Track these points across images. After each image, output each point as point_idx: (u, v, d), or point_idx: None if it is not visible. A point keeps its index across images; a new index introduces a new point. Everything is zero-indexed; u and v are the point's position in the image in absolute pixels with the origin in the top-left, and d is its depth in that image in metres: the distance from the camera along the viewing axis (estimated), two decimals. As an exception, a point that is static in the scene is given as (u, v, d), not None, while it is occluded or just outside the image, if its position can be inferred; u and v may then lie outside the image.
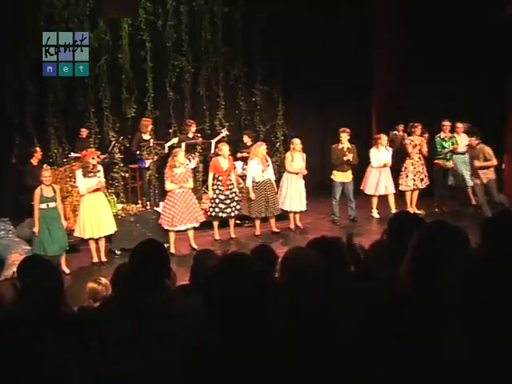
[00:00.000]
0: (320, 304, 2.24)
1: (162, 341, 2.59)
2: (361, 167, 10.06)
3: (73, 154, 9.67)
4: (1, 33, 9.08)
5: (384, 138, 9.99)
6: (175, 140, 10.23)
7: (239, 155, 10.40)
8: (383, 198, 9.98)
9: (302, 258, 2.51)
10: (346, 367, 1.74)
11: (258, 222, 9.25)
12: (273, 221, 9.32)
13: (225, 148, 9.03)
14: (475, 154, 9.21)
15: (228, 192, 9.04)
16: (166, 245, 7.19)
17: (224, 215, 9.05)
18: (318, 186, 11.30)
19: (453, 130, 10.26)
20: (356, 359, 1.74)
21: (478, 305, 1.46)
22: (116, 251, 8.47)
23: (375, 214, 10.04)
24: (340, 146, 9.61)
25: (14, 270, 6.81)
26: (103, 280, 4.66)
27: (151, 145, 9.42)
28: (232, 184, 9.13)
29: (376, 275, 2.45)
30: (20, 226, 8.46)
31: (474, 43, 10.50)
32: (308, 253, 2.58)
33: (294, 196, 9.38)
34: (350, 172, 9.73)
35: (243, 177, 9.71)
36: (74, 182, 8.54)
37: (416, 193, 10.11)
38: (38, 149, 9.22)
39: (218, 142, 9.96)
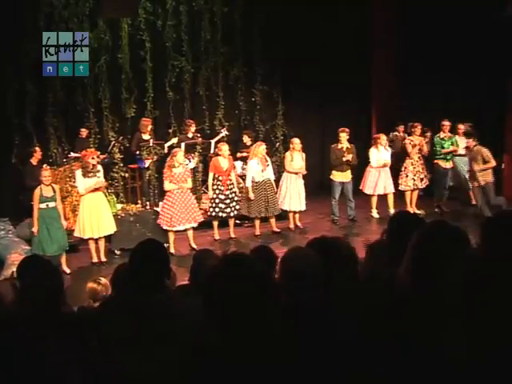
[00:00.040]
0: (320, 304, 2.24)
1: (162, 341, 2.59)
2: (360, 167, 10.06)
3: (72, 154, 9.67)
4: (1, 33, 9.08)
5: (383, 138, 10.00)
6: (175, 140, 10.23)
7: (239, 155, 10.40)
8: (383, 198, 9.98)
9: (302, 258, 2.51)
10: (345, 367, 1.74)
11: (257, 222, 9.25)
12: (273, 221, 9.32)
13: (224, 148, 9.03)
14: (473, 156, 9.22)
15: (228, 192, 9.04)
16: (165, 245, 7.19)
17: (224, 215, 9.06)
18: (317, 185, 11.31)
19: (454, 130, 10.27)
20: (356, 359, 1.74)
21: (478, 305, 1.46)
22: (116, 251, 8.47)
23: (375, 213, 10.04)
24: (339, 146, 9.61)
25: (14, 269, 6.82)
26: (103, 280, 4.66)
27: (151, 145, 9.43)
28: (232, 184, 9.13)
29: (379, 275, 2.46)
30: (20, 225, 8.46)
31: (474, 43, 10.49)
32: (308, 253, 2.58)
33: (293, 196, 9.38)
34: (349, 172, 9.73)
35: (243, 177, 9.71)
36: (74, 182, 8.54)
37: (416, 193, 10.12)
38: (37, 149, 9.22)
39: (217, 142, 9.96)
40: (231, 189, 9.09)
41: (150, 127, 9.89)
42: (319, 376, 1.71)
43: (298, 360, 1.67)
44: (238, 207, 9.14)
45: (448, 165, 10.17)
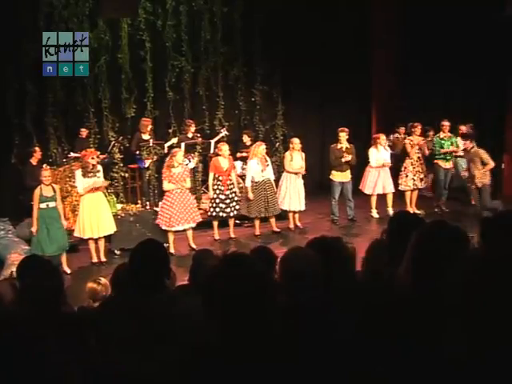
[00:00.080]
0: (320, 304, 2.24)
1: (162, 341, 2.59)
2: (360, 167, 10.06)
3: (72, 154, 9.66)
4: (1, 33, 9.08)
5: (383, 138, 10.01)
6: (175, 140, 10.22)
7: (239, 155, 10.40)
8: (383, 198, 9.99)
9: (302, 258, 2.51)
10: (345, 367, 1.74)
11: (257, 222, 9.24)
12: (273, 220, 9.32)
13: (224, 148, 9.03)
14: (470, 158, 9.23)
15: (228, 192, 9.04)
16: (165, 245, 7.19)
17: (224, 215, 9.06)
18: (317, 185, 11.31)
19: (455, 131, 10.27)
20: (356, 359, 1.74)
21: (478, 305, 1.46)
22: (116, 251, 8.47)
23: (374, 213, 10.04)
24: (339, 146, 9.61)
25: (13, 269, 6.81)
26: (103, 280, 4.65)
27: (151, 145, 9.43)
28: (232, 184, 9.13)
29: (380, 275, 2.46)
30: (19, 225, 8.45)
31: (474, 43, 10.50)
32: (307, 253, 2.58)
33: (293, 196, 9.38)
34: (348, 172, 9.73)
35: (243, 177, 9.71)
36: (74, 182, 8.54)
37: (416, 193, 10.12)
38: (37, 149, 9.22)
39: (217, 142, 9.96)
40: (231, 189, 9.09)
41: (149, 127, 9.89)
42: (319, 376, 1.71)
43: (298, 360, 1.67)
44: (237, 207, 9.14)
45: (448, 165, 10.17)
